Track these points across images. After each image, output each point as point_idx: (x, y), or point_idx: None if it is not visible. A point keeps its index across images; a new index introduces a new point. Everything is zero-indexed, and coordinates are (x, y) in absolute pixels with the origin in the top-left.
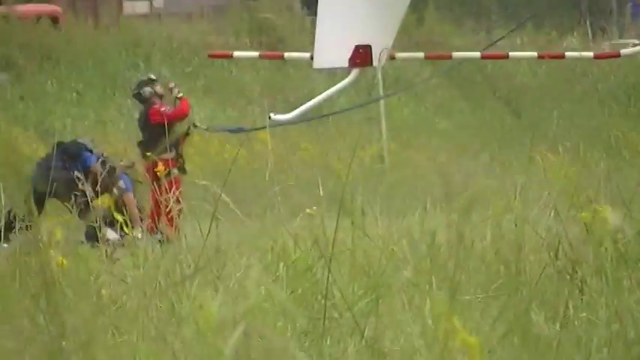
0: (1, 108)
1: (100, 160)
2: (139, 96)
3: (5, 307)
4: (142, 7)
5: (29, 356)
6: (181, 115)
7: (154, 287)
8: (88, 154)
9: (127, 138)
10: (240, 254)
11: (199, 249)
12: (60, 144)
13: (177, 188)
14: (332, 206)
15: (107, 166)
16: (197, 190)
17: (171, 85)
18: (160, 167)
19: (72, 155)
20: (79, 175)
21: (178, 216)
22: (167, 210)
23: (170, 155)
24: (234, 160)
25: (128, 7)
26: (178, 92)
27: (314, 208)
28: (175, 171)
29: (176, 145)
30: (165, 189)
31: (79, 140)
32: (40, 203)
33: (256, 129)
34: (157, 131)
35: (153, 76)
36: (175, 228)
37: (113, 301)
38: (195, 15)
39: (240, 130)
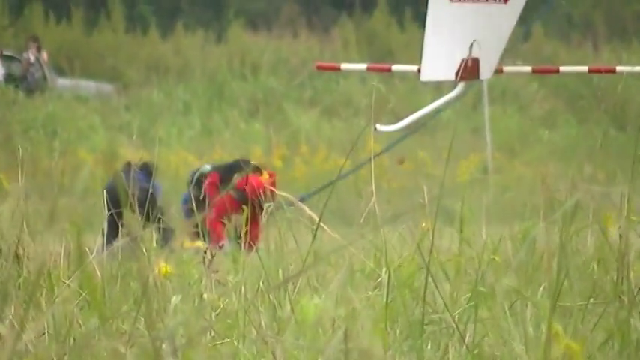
0: (107, 117)
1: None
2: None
3: (108, 309)
4: None
5: (131, 358)
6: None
7: (255, 291)
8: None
9: (231, 147)
10: (341, 261)
11: (300, 255)
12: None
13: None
14: (435, 214)
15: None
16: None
17: None
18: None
19: (149, 172)
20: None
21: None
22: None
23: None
24: (340, 169)
25: None
26: None
27: (414, 215)
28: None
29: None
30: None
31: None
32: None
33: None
34: None
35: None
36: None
37: (214, 305)
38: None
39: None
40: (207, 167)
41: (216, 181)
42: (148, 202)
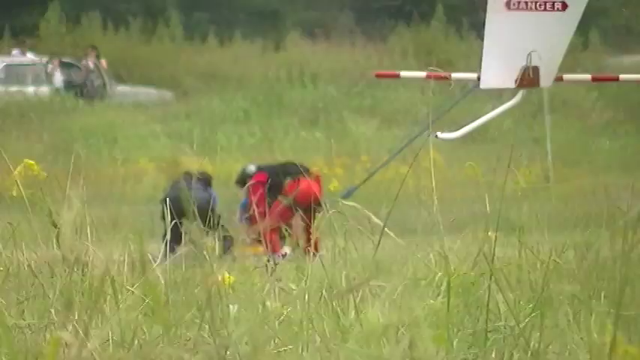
0: (168, 125)
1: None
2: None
3: (172, 317)
4: None
5: None
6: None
7: (319, 299)
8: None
9: (292, 155)
10: (403, 269)
11: (363, 263)
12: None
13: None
14: (496, 223)
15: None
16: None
17: None
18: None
19: (207, 182)
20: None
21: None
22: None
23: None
24: (404, 179)
25: None
26: None
27: (475, 224)
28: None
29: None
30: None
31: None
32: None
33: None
34: None
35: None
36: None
37: (277, 313)
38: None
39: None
40: (252, 167)
41: (262, 179)
42: (208, 209)
